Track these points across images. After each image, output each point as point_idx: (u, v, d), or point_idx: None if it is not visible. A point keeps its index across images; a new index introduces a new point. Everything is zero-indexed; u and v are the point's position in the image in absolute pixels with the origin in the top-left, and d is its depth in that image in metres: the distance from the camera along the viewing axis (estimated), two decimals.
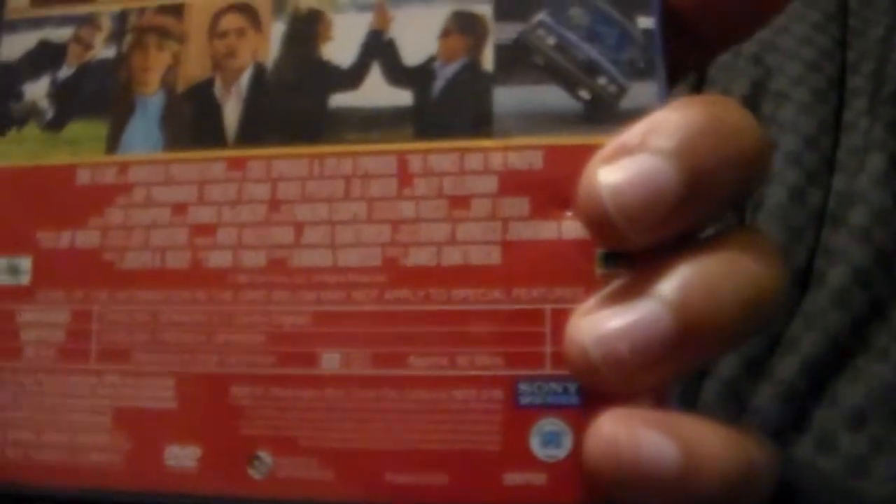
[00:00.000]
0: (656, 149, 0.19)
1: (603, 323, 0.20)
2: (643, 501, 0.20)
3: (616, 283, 0.21)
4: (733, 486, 0.19)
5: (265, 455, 0.22)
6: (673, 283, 0.19)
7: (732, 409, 0.33)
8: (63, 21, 0.25)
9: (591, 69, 0.22)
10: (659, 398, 0.21)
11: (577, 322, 0.20)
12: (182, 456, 0.22)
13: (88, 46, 0.25)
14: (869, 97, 0.36)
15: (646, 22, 0.22)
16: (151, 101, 0.24)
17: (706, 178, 0.19)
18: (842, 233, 0.34)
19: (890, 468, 0.30)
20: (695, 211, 0.20)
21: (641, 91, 0.22)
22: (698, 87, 0.39)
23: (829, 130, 0.36)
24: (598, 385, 0.20)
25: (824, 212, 0.35)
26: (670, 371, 0.20)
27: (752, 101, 0.37)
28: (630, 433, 0.20)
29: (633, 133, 0.20)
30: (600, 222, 0.20)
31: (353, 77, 0.23)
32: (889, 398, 0.31)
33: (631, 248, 0.20)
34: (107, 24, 0.25)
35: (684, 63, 0.24)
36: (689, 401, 0.33)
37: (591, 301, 0.21)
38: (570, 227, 0.22)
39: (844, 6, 0.39)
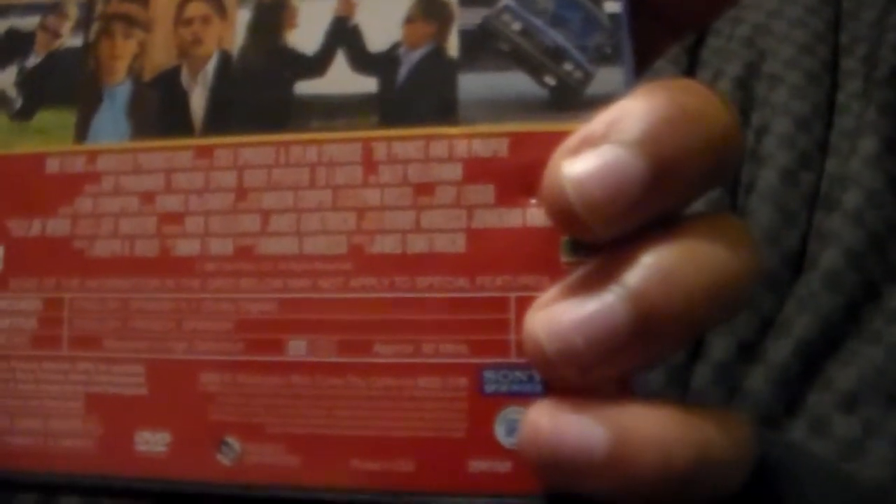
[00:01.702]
0: (620, 140, 0.19)
1: (558, 316, 0.20)
2: (579, 487, 0.20)
3: (575, 275, 0.20)
4: (681, 472, 0.19)
5: (233, 441, 0.22)
6: (630, 274, 0.19)
7: (725, 393, 0.33)
8: (30, 9, 0.25)
9: (557, 55, 0.22)
10: (622, 387, 0.21)
11: (534, 315, 0.20)
12: (152, 441, 0.23)
13: (56, 35, 0.25)
14: (862, 80, 0.36)
15: (612, 6, 0.22)
16: (119, 90, 0.24)
17: (672, 166, 0.19)
18: (835, 216, 0.34)
19: (883, 451, 0.30)
20: (662, 199, 0.20)
21: (608, 77, 0.22)
22: (690, 71, 0.39)
23: (823, 113, 0.36)
24: (554, 377, 0.20)
25: (817, 194, 0.35)
26: (629, 363, 0.20)
27: (745, 84, 0.37)
28: (552, 420, 0.20)
29: (596, 124, 0.20)
30: (564, 214, 0.20)
31: (318, 64, 0.23)
32: (882, 381, 0.31)
33: (596, 238, 0.20)
34: (73, 13, 0.25)
35: (652, 48, 0.23)
36: (681, 385, 0.33)
37: (549, 293, 0.21)
38: (536, 215, 0.22)
39: None
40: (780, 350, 0.32)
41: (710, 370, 0.33)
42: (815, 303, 0.32)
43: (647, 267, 0.19)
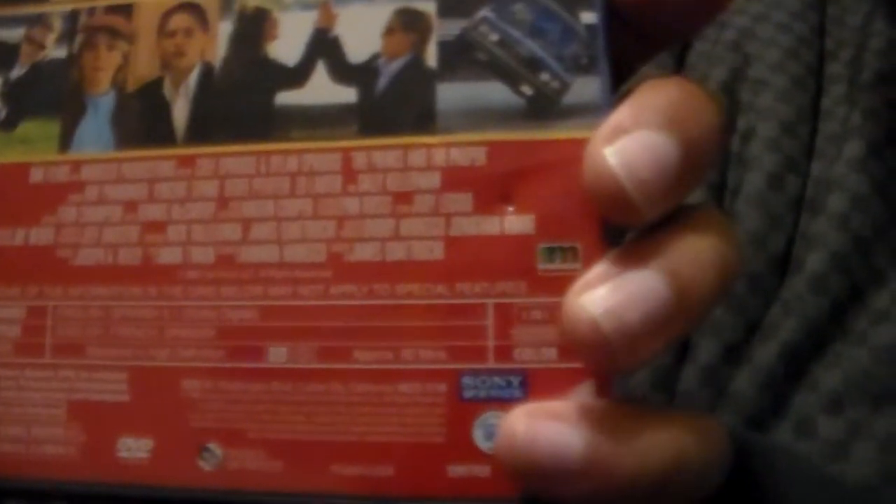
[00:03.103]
0: (652, 123, 0.20)
1: (608, 296, 0.20)
2: (555, 492, 0.20)
3: (601, 265, 0.21)
4: (656, 477, 0.20)
5: (215, 447, 0.23)
6: (665, 255, 0.20)
7: (711, 395, 0.33)
8: (15, 21, 0.26)
9: (534, 65, 0.23)
10: (600, 390, 0.21)
11: (577, 300, 0.20)
12: (135, 448, 0.23)
13: (40, 46, 0.25)
14: (847, 84, 0.36)
15: (589, 17, 0.23)
16: (102, 101, 0.25)
17: (696, 145, 0.20)
18: (820, 219, 0.34)
19: (868, 452, 0.31)
20: (691, 179, 0.21)
21: (584, 87, 0.22)
22: (676, 74, 0.39)
23: (808, 117, 0.36)
24: (604, 361, 0.20)
25: (803, 198, 0.35)
26: (667, 340, 0.20)
27: (730, 88, 0.37)
28: (528, 426, 0.20)
29: (622, 114, 0.21)
30: (615, 199, 0.20)
31: (298, 75, 0.24)
32: (867, 382, 0.31)
33: (641, 221, 0.21)
34: (58, 25, 0.25)
35: (629, 59, 0.24)
36: (667, 387, 0.34)
37: (583, 281, 0.21)
38: (513, 223, 0.22)
39: None
40: (765, 353, 0.33)
41: (697, 373, 0.33)
42: (800, 306, 0.33)
43: (679, 249, 0.20)
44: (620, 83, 0.23)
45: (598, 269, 0.21)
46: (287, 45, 0.24)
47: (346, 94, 0.23)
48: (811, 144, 0.36)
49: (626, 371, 0.21)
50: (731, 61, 0.38)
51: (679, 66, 0.39)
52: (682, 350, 0.34)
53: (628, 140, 0.20)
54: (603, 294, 0.20)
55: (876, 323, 0.32)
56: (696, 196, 0.35)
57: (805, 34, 0.38)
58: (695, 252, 0.21)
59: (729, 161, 0.36)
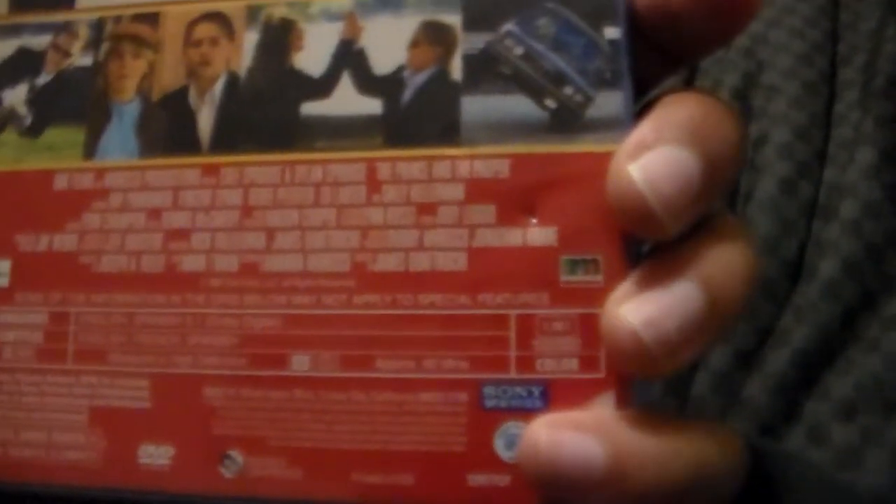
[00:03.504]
0: (674, 139, 0.21)
1: (646, 306, 0.20)
2: (577, 502, 0.20)
3: (635, 276, 0.21)
4: (677, 486, 0.20)
5: (236, 454, 0.23)
6: (699, 265, 0.21)
7: (723, 402, 0.33)
8: (41, 28, 0.26)
9: (558, 79, 0.23)
10: (620, 400, 0.21)
11: (617, 311, 0.21)
12: (156, 454, 0.23)
13: (66, 54, 0.25)
14: (860, 90, 0.36)
15: (612, 32, 0.23)
16: (127, 109, 0.25)
17: (717, 160, 0.21)
18: (832, 225, 0.34)
19: (881, 459, 0.31)
20: (713, 192, 0.21)
21: (607, 101, 0.23)
22: (690, 79, 0.39)
23: (821, 123, 0.36)
24: (644, 369, 0.21)
25: (815, 204, 0.35)
26: (701, 346, 0.21)
27: (743, 94, 0.37)
28: (551, 436, 0.20)
29: (645, 130, 0.21)
30: (639, 214, 0.21)
31: (324, 86, 0.24)
32: (880, 389, 0.31)
33: (666, 235, 0.21)
34: (84, 32, 0.26)
35: (651, 74, 0.24)
36: (681, 393, 0.34)
37: (620, 292, 0.21)
38: (535, 235, 0.22)
39: (836, 0, 0.39)
40: (778, 359, 0.33)
41: (709, 379, 0.33)
42: (813, 312, 0.33)
43: (710, 257, 0.21)
44: (641, 98, 0.24)
45: (633, 280, 0.21)
46: (313, 56, 0.24)
47: (372, 106, 0.23)
48: (824, 150, 0.36)
49: (662, 378, 0.22)
50: (743, 67, 0.38)
51: (692, 72, 0.39)
52: None
53: (651, 156, 0.21)
54: (641, 304, 0.21)
55: (888, 330, 0.32)
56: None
57: (818, 40, 0.38)
58: (725, 260, 0.21)
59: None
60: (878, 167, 0.34)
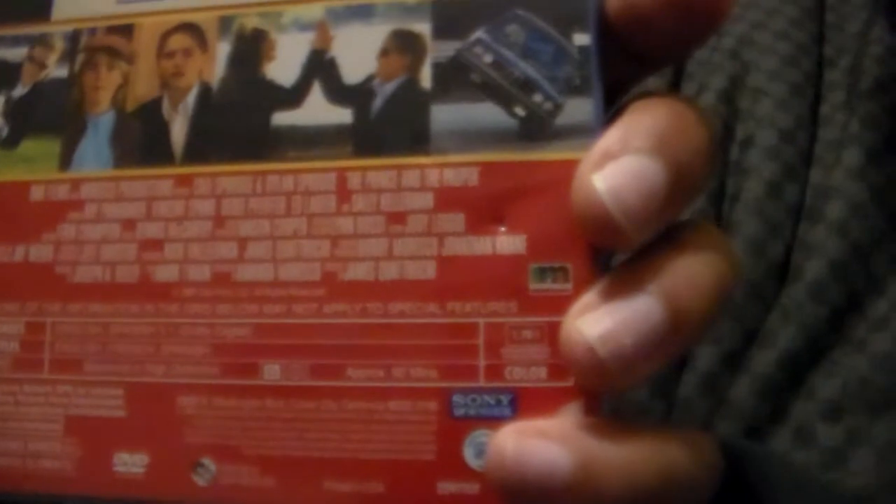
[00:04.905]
0: (639, 148, 0.21)
1: (604, 320, 0.20)
2: None
3: (600, 286, 0.21)
4: (645, 493, 0.20)
5: (209, 462, 0.23)
6: (660, 278, 0.21)
7: (710, 403, 0.33)
8: (17, 41, 0.26)
9: (527, 86, 0.23)
10: (588, 408, 0.21)
11: (574, 324, 0.21)
12: (130, 463, 0.23)
13: (42, 66, 0.26)
14: (846, 91, 0.36)
15: (582, 39, 0.23)
16: (102, 120, 0.25)
17: (684, 168, 0.21)
18: (819, 227, 0.34)
19: (867, 460, 0.31)
20: (679, 202, 0.21)
21: (577, 108, 0.23)
22: (675, 82, 0.39)
23: (807, 125, 0.36)
24: (600, 383, 0.21)
25: (802, 206, 0.35)
26: (661, 360, 0.21)
27: (729, 96, 0.37)
28: (518, 444, 0.20)
29: (611, 139, 0.21)
30: (602, 224, 0.20)
31: (295, 96, 0.24)
32: (866, 390, 0.31)
33: (630, 245, 0.21)
34: (59, 44, 0.26)
35: (624, 79, 0.24)
36: (667, 395, 0.34)
37: (579, 304, 0.21)
38: (504, 243, 0.22)
39: (822, 2, 0.39)
40: (764, 360, 0.33)
41: (696, 380, 0.33)
42: (799, 314, 0.33)
43: (673, 271, 0.21)
44: (613, 105, 0.24)
45: (595, 291, 0.21)
46: (284, 66, 0.24)
47: (342, 115, 0.24)
48: (810, 152, 0.36)
49: (622, 391, 0.21)
50: (729, 69, 0.38)
51: (677, 75, 0.39)
52: (681, 358, 0.34)
53: (615, 166, 0.21)
54: (599, 318, 0.20)
55: (874, 330, 0.32)
56: (696, 204, 0.35)
57: (804, 41, 0.38)
58: (689, 272, 0.21)
59: (728, 169, 0.36)
60: (865, 168, 0.34)
